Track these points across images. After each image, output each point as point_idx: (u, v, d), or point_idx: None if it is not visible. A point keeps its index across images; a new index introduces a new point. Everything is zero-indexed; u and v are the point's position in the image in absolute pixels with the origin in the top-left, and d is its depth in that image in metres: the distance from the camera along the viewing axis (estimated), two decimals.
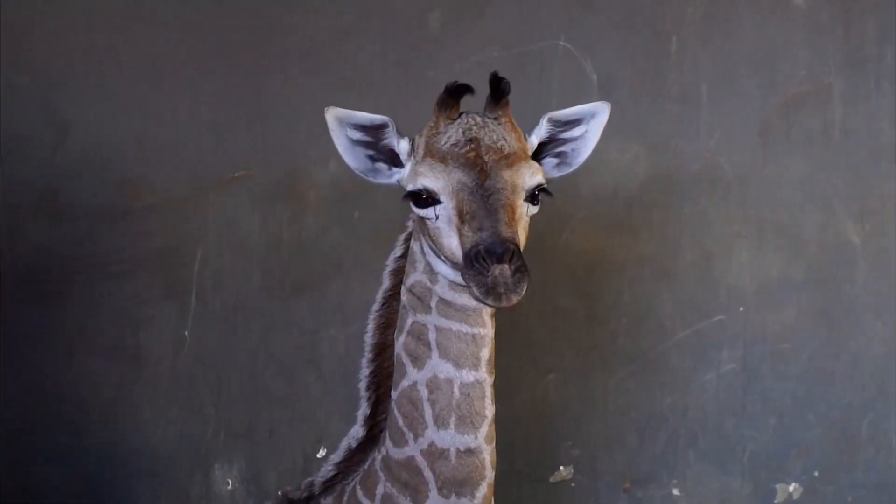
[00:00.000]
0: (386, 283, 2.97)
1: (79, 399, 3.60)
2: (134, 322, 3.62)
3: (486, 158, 2.63)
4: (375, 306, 2.98)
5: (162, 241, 3.61)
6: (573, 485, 4.26)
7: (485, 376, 2.79)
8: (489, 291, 2.43)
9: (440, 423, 2.82)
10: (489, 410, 2.83)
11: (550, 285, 4.10)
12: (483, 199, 2.56)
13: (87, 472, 3.65)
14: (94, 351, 3.59)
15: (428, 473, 2.91)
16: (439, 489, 2.91)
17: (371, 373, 3.01)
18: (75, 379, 3.59)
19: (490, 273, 2.43)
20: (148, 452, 3.71)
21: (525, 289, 2.44)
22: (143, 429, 3.70)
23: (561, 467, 4.24)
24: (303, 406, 3.86)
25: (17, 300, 3.49)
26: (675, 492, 4.38)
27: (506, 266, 2.43)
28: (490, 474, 2.92)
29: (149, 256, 3.60)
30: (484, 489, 2.92)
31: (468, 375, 2.78)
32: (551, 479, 4.22)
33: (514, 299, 2.43)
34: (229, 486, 3.82)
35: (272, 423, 3.83)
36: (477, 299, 2.47)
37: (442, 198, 2.61)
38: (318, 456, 3.86)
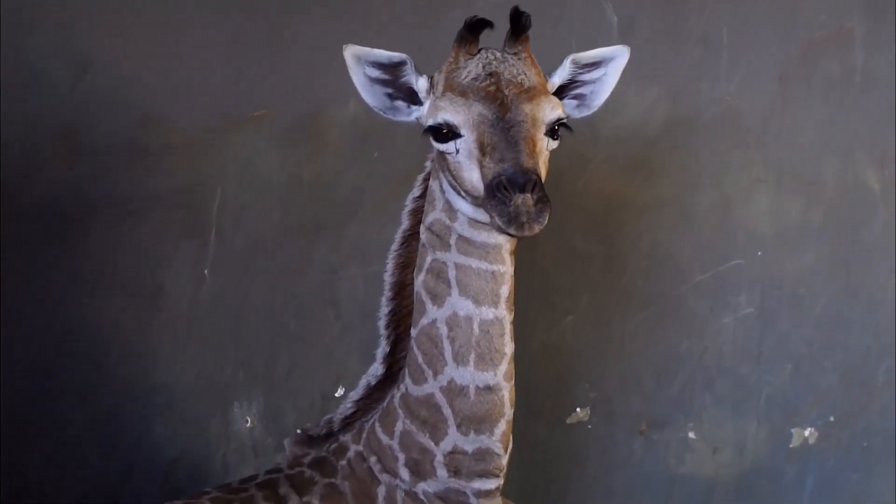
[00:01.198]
0: (405, 223, 2.97)
1: (98, 336, 3.61)
2: (153, 260, 3.63)
3: (506, 92, 2.62)
4: (394, 246, 2.99)
5: (181, 179, 3.62)
6: (590, 427, 4.28)
7: (504, 314, 2.81)
8: (512, 220, 2.43)
9: (459, 360, 2.83)
10: (508, 348, 2.84)
11: (569, 228, 4.10)
12: (504, 131, 2.56)
13: (107, 409, 3.68)
14: (113, 288, 3.60)
15: (447, 410, 2.92)
16: (458, 426, 2.93)
17: (390, 311, 3.02)
18: (95, 316, 3.61)
19: (512, 202, 2.43)
20: (167, 390, 3.74)
21: (547, 219, 2.45)
22: (162, 366, 3.72)
23: (578, 409, 4.25)
24: (321, 345, 3.88)
25: (37, 237, 3.50)
26: (691, 435, 4.40)
27: (528, 195, 2.43)
28: (509, 412, 2.94)
29: (168, 195, 3.61)
30: (503, 426, 2.93)
31: (488, 313, 2.79)
32: (568, 421, 4.24)
33: (537, 228, 2.44)
34: (248, 425, 3.85)
35: (291, 361, 3.85)
36: (499, 229, 2.48)
37: (462, 131, 2.61)
38: (337, 395, 3.88)
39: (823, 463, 4.69)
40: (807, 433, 4.62)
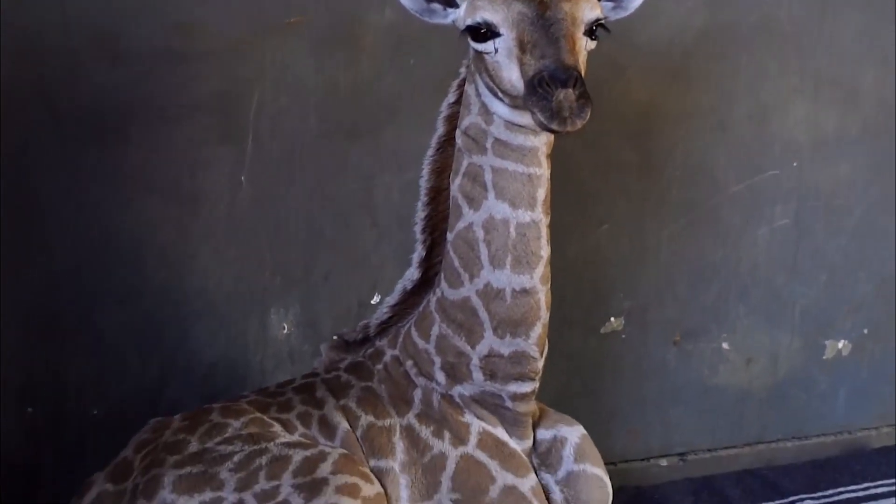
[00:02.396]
0: (440, 129, 2.97)
1: (136, 240, 3.64)
2: (191, 165, 3.64)
3: None
4: (430, 151, 2.99)
5: (219, 84, 3.61)
6: (624, 336, 4.30)
7: (541, 216, 2.81)
8: (554, 115, 2.43)
9: (496, 263, 2.84)
10: (545, 251, 2.85)
11: (604, 136, 4.09)
12: (544, 28, 2.55)
13: (146, 312, 3.71)
14: (152, 193, 3.62)
15: (483, 314, 2.94)
16: (494, 329, 2.95)
17: (426, 216, 3.04)
18: (133, 221, 3.63)
19: (554, 98, 2.43)
20: (205, 294, 3.76)
21: (588, 115, 2.44)
22: (200, 271, 3.74)
23: (612, 318, 4.27)
24: (357, 252, 3.89)
25: (76, 142, 3.51)
26: (725, 345, 4.42)
27: (570, 90, 2.43)
28: (545, 315, 2.95)
29: (206, 100, 3.61)
30: (539, 329, 2.95)
31: (524, 216, 2.80)
32: (602, 330, 4.26)
33: (579, 124, 2.44)
34: (285, 331, 3.88)
35: (327, 268, 3.86)
36: (541, 125, 2.48)
37: (501, 30, 2.60)
38: (373, 302, 3.90)
39: (856, 375, 4.70)
40: (840, 345, 4.63)
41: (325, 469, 2.86)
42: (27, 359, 3.66)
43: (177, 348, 3.77)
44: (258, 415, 3.11)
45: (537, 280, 2.86)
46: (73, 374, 3.71)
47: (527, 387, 3.04)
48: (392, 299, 3.17)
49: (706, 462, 4.39)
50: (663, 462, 4.38)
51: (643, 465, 4.33)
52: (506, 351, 2.98)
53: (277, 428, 3.07)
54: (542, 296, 2.89)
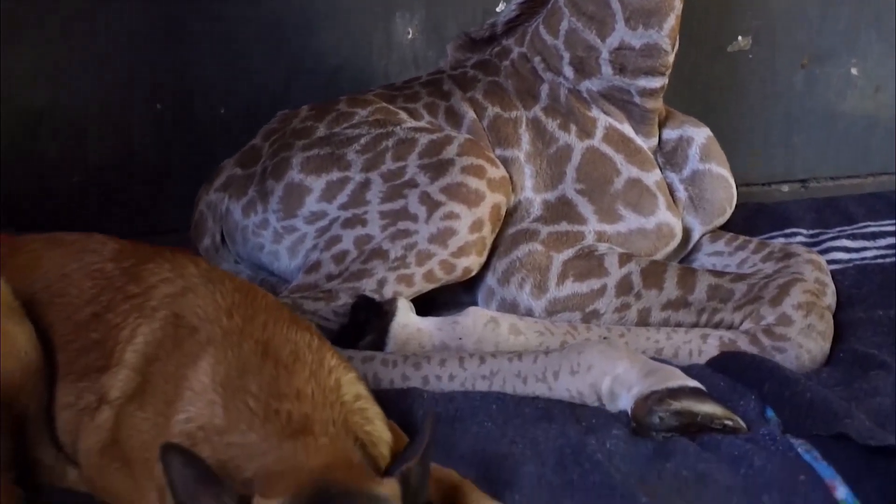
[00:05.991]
0: None
1: None
2: None
3: None
4: None
5: None
6: (750, 56, 4.21)
7: None
8: None
9: None
10: None
11: None
12: None
13: (273, 13, 3.71)
14: None
15: (616, 4, 2.93)
16: (626, 20, 2.92)
17: None
18: None
19: None
20: None
21: None
22: None
23: (739, 37, 4.18)
24: None
25: None
26: (854, 71, 4.31)
27: None
28: (678, 5, 2.91)
29: None
30: (672, 21, 2.93)
31: None
32: (729, 49, 4.18)
33: None
34: (409, 36, 3.86)
35: None
36: None
37: None
38: (497, 10, 3.86)
39: None
40: None
41: (451, 151, 2.89)
42: (156, 58, 3.70)
43: (302, 50, 3.77)
44: (384, 104, 3.14)
45: None
46: (200, 73, 3.74)
47: (656, 82, 3.02)
48: None
49: (828, 190, 4.33)
50: (785, 188, 4.33)
51: (764, 189, 4.29)
52: (637, 43, 2.95)
53: (404, 115, 3.10)
54: None
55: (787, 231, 3.58)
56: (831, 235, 3.53)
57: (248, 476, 1.76)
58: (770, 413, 2.43)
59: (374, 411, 2.02)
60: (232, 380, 1.90)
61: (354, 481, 1.70)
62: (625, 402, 2.44)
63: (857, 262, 3.35)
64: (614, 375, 2.46)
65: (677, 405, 2.34)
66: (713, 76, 4.18)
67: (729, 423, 2.34)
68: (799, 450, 2.27)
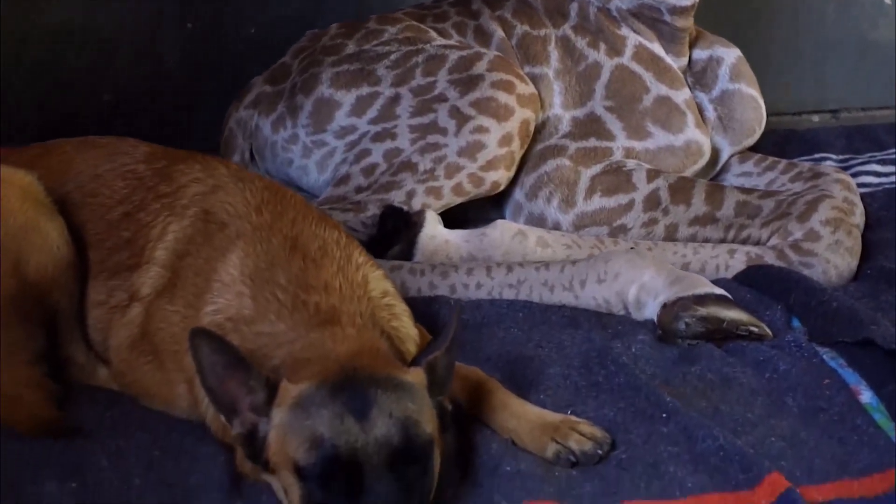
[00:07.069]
0: None
1: None
2: None
3: None
4: None
5: None
6: None
7: None
8: None
9: None
10: None
11: None
12: None
13: None
14: None
15: None
16: None
17: None
18: None
19: None
20: None
21: None
22: None
23: None
24: None
25: None
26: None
27: None
28: None
29: None
30: None
31: None
32: None
33: None
34: None
35: None
36: None
37: None
38: None
39: None
40: None
41: (481, 67, 2.90)
42: None
43: None
44: (414, 23, 3.14)
45: None
46: None
47: (687, 0, 3.01)
48: None
49: (859, 119, 4.30)
50: (815, 118, 4.30)
51: (794, 118, 4.26)
52: None
53: (433, 34, 3.10)
54: None
55: (817, 156, 3.57)
56: (861, 160, 3.53)
57: (276, 363, 1.79)
58: (796, 323, 2.45)
59: (401, 308, 2.04)
60: (261, 272, 1.92)
61: (381, 368, 1.73)
62: (651, 311, 2.45)
63: (887, 186, 3.34)
64: (641, 283, 2.47)
65: (703, 311, 2.35)
66: (744, 3, 4.14)
67: (755, 329, 2.35)
68: (824, 356, 2.29)
